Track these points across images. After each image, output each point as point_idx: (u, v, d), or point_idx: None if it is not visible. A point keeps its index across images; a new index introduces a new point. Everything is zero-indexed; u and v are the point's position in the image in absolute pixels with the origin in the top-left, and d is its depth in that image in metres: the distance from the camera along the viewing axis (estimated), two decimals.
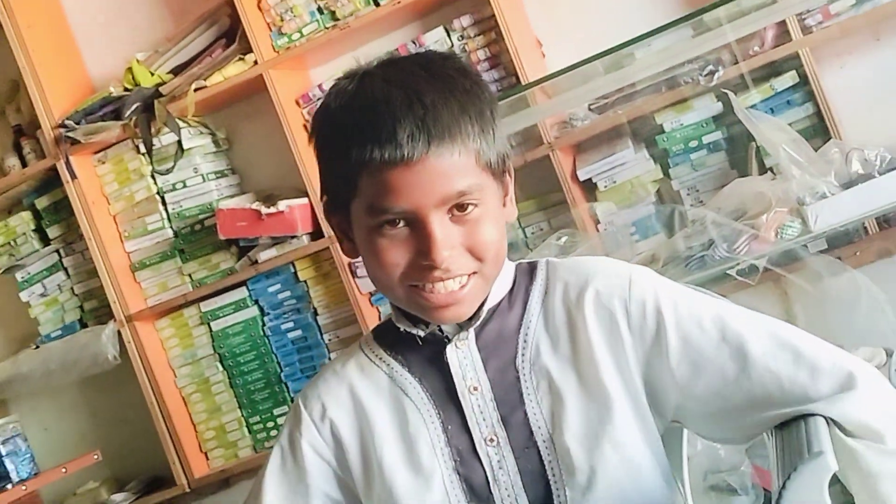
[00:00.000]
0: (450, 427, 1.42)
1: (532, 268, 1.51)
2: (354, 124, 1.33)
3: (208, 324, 3.63)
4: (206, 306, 3.63)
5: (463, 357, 1.42)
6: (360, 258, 1.41)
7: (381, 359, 1.49)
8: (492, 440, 1.41)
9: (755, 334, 1.37)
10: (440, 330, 1.43)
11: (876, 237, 3.08)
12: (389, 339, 1.49)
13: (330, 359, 3.41)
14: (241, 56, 3.48)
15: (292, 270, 3.55)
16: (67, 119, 3.58)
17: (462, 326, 1.42)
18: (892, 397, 1.35)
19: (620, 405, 1.39)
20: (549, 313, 1.44)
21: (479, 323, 1.42)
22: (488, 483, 1.41)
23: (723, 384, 1.38)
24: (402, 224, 1.32)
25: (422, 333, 1.43)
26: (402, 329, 1.44)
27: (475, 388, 1.42)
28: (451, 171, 1.31)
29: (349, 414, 1.47)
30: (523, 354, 1.43)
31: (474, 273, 1.35)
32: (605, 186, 3.28)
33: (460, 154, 1.31)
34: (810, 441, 1.30)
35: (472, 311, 1.39)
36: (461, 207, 1.33)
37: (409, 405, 1.44)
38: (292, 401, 3.03)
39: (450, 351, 1.42)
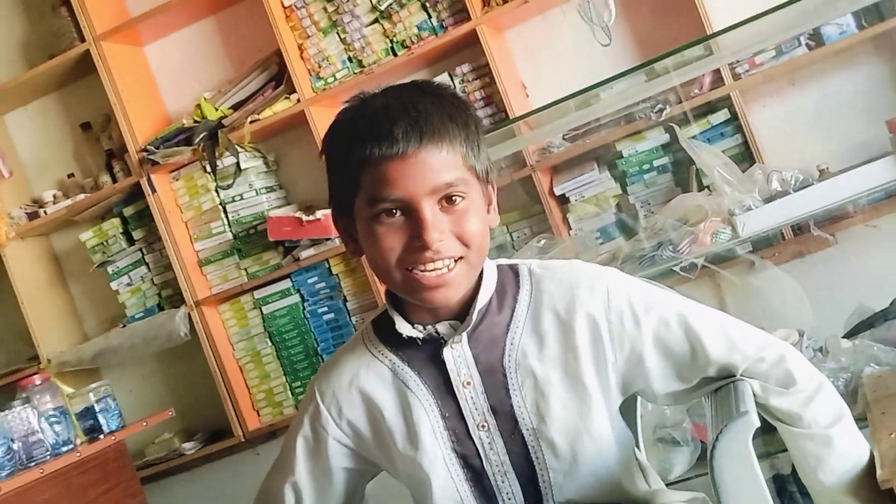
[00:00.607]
0: (447, 414, 1.39)
1: (515, 272, 1.45)
2: (356, 130, 1.30)
3: (260, 308, 3.66)
4: (258, 294, 3.65)
5: (457, 356, 1.37)
6: (363, 255, 1.37)
7: (383, 354, 1.43)
8: (483, 426, 1.38)
9: (709, 329, 1.38)
10: (437, 332, 1.38)
11: (791, 241, 3.10)
12: (391, 337, 1.42)
13: None
14: (287, 95, 3.53)
15: (327, 266, 3.58)
16: (149, 145, 3.63)
17: (456, 329, 1.38)
18: (806, 371, 1.39)
19: (597, 400, 1.37)
20: (536, 320, 1.39)
21: (470, 326, 1.36)
22: (481, 460, 1.39)
23: (681, 370, 1.39)
24: (398, 213, 1.28)
25: (421, 336, 1.38)
26: (404, 335, 1.38)
27: (468, 383, 1.38)
28: (440, 165, 1.28)
29: (362, 412, 1.43)
30: (510, 355, 1.37)
31: (461, 258, 1.31)
32: (576, 200, 3.31)
33: (448, 152, 1.28)
34: (738, 403, 1.33)
35: (459, 295, 1.35)
36: (450, 199, 1.29)
37: (411, 396, 1.39)
38: None
39: (446, 351, 1.37)
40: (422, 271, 1.29)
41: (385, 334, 1.43)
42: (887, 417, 1.62)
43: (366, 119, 1.30)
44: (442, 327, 1.38)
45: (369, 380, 1.42)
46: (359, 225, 1.34)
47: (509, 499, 1.39)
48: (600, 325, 1.36)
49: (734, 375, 1.38)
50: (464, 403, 1.38)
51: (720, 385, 1.40)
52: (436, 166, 1.27)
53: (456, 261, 1.31)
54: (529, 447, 1.37)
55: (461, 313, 1.38)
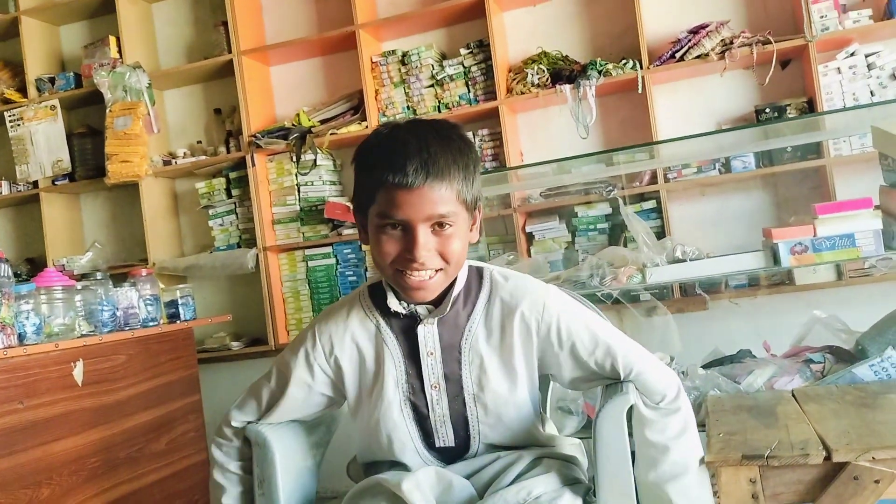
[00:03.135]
0: (410, 372, 1.34)
1: (480, 274, 1.38)
2: (381, 156, 1.22)
3: (306, 262, 3.65)
4: (308, 252, 3.64)
5: (427, 332, 1.32)
6: (369, 245, 1.30)
7: (373, 315, 1.36)
8: (435, 386, 1.34)
9: (614, 351, 1.34)
10: (416, 313, 1.33)
11: (679, 300, 3.11)
12: (381, 303, 1.35)
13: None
14: (360, 122, 3.52)
15: (358, 244, 3.56)
16: (257, 133, 3.62)
17: (431, 313, 1.32)
18: (674, 394, 1.35)
19: (522, 379, 1.35)
20: (488, 317, 1.34)
21: (443, 314, 1.32)
22: (428, 410, 1.34)
23: (586, 370, 1.37)
24: (399, 229, 1.22)
25: (404, 312, 1.33)
26: (392, 310, 1.33)
27: (431, 353, 1.33)
28: (438, 200, 1.20)
29: (348, 353, 1.36)
30: (466, 339, 1.33)
31: (440, 270, 1.25)
32: (539, 239, 3.32)
33: (446, 189, 1.21)
34: (622, 389, 1.34)
35: (433, 296, 1.28)
36: (441, 225, 1.22)
37: (386, 352, 1.34)
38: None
39: (420, 328, 1.32)
40: (408, 275, 1.24)
41: (377, 300, 1.37)
42: (719, 424, 1.64)
43: (388, 148, 1.22)
44: (421, 309, 1.33)
45: (359, 331, 1.36)
46: (369, 226, 1.27)
47: (444, 438, 1.37)
48: (532, 329, 1.33)
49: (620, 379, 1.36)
50: (424, 367, 1.34)
51: (613, 382, 1.39)
52: (434, 200, 1.20)
53: (437, 271, 1.25)
54: (467, 407, 1.35)
55: (437, 301, 1.32)
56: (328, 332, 1.38)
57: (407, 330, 1.34)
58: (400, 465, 1.38)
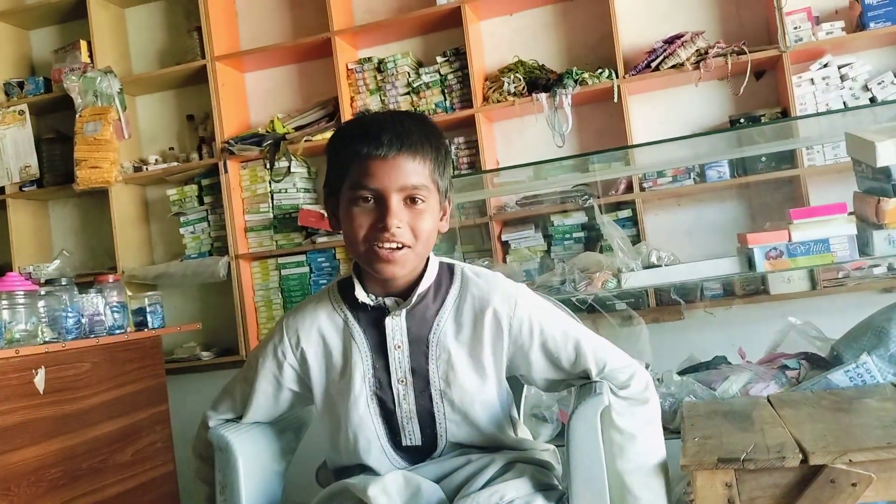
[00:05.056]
0: (377, 366, 1.32)
1: (451, 270, 1.37)
2: (353, 132, 1.25)
3: (279, 270, 3.60)
4: (281, 260, 3.60)
5: (395, 325, 1.31)
6: (340, 231, 1.29)
7: (341, 309, 1.35)
8: (402, 381, 1.32)
9: (584, 347, 1.34)
10: (384, 303, 1.32)
11: (653, 309, 3.10)
12: (350, 297, 1.34)
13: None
14: (335, 129, 3.47)
15: (333, 252, 3.53)
16: (231, 140, 3.58)
17: (399, 304, 1.31)
18: (642, 385, 1.35)
19: (490, 376, 1.33)
20: (458, 313, 1.32)
21: (410, 305, 1.30)
22: (395, 406, 1.32)
23: (558, 368, 1.36)
24: (371, 201, 1.23)
25: (371, 303, 1.31)
26: (360, 300, 1.31)
27: (398, 347, 1.31)
28: (411, 171, 1.22)
29: (315, 347, 1.35)
30: (434, 333, 1.31)
31: (409, 247, 1.24)
32: (515, 248, 3.30)
33: (419, 163, 1.23)
34: (596, 390, 1.33)
35: (403, 272, 1.27)
36: (412, 200, 1.24)
37: (353, 346, 1.32)
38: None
39: (388, 319, 1.31)
40: (379, 247, 1.23)
41: (345, 295, 1.35)
42: (694, 429, 1.62)
43: (362, 126, 1.25)
44: (388, 300, 1.32)
45: (326, 325, 1.35)
46: (341, 205, 1.27)
47: (411, 436, 1.34)
48: (503, 325, 1.32)
49: (592, 377, 1.35)
50: (392, 361, 1.32)
51: (586, 382, 1.37)
52: (408, 170, 1.22)
53: (405, 247, 1.24)
54: (434, 403, 1.33)
55: (405, 293, 1.31)
56: (295, 325, 1.37)
57: (375, 323, 1.33)
58: (369, 470, 1.34)
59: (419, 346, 1.31)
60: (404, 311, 1.31)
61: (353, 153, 1.23)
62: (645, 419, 1.33)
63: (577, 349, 1.34)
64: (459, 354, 1.32)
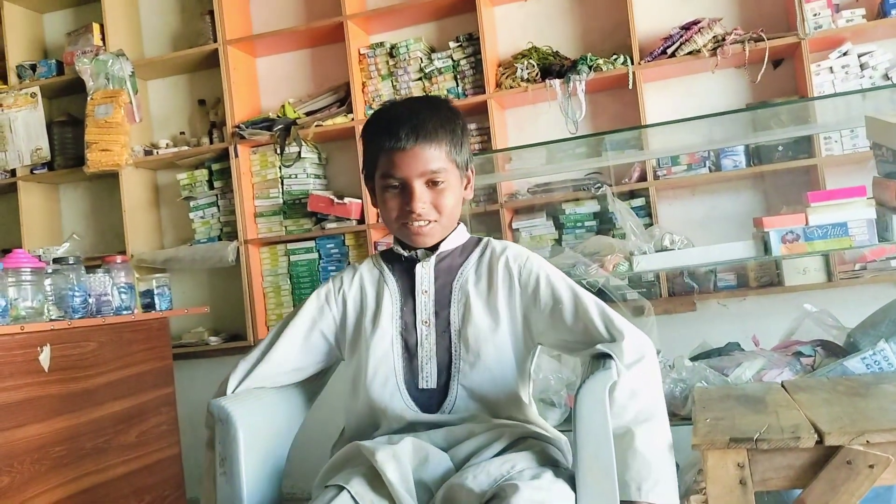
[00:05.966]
0: (404, 309, 1.46)
1: (479, 239, 1.54)
2: (380, 126, 1.42)
3: (288, 256, 3.57)
4: (290, 246, 3.57)
5: (424, 272, 1.47)
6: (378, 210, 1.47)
7: (380, 264, 1.53)
8: (426, 322, 1.44)
9: (587, 302, 1.41)
10: (416, 255, 1.47)
11: (665, 300, 3.06)
12: (387, 255, 1.53)
13: None
14: (346, 114, 3.47)
15: (342, 238, 3.50)
16: (241, 124, 3.55)
17: (428, 255, 1.47)
18: (638, 344, 1.36)
19: (503, 323, 1.43)
20: (480, 265, 1.48)
21: (437, 256, 1.47)
22: (417, 346, 1.44)
23: (565, 321, 1.41)
24: (398, 187, 1.40)
25: (405, 254, 1.49)
26: (395, 251, 1.50)
27: (425, 292, 1.46)
28: (429, 157, 1.39)
29: (355, 293, 1.50)
30: (458, 281, 1.46)
31: (435, 221, 1.42)
32: (526, 237, 3.26)
33: (436, 149, 1.39)
34: (605, 365, 1.31)
35: (433, 242, 1.46)
36: (434, 182, 1.40)
37: (385, 290, 1.48)
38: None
39: (418, 267, 1.47)
40: (409, 225, 1.42)
41: (385, 256, 1.53)
42: (705, 411, 1.60)
43: (386, 119, 1.42)
44: (420, 252, 1.47)
45: (367, 276, 1.51)
46: (377, 189, 1.45)
47: (427, 378, 1.43)
48: (513, 273, 1.45)
49: (595, 335, 1.37)
50: (418, 304, 1.46)
51: (595, 353, 1.36)
52: (426, 157, 1.38)
53: (432, 222, 1.42)
54: (452, 343, 1.43)
55: (435, 248, 1.47)
56: (342, 276, 1.55)
57: (406, 272, 1.49)
58: (382, 421, 1.41)
59: (443, 291, 1.46)
60: (433, 260, 1.46)
61: (378, 147, 1.40)
62: (648, 378, 1.33)
63: (587, 307, 1.39)
64: (476, 300, 1.44)
